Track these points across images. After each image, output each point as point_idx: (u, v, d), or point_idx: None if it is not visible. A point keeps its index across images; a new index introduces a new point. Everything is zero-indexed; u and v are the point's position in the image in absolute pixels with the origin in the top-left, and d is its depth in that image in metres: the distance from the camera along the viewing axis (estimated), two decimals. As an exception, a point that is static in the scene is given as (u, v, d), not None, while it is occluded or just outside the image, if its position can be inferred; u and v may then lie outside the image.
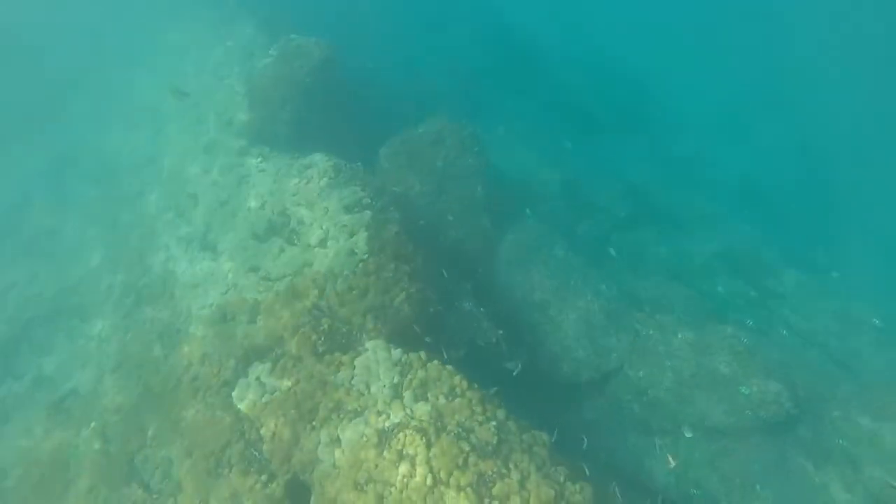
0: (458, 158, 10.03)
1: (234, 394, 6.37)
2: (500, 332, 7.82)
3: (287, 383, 6.10)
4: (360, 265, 6.94)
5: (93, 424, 7.57)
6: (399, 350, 6.20)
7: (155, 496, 6.34)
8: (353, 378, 5.98)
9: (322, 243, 7.36)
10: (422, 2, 18.68)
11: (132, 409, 7.32)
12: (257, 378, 6.28)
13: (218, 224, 8.64)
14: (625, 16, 30.50)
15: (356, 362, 6.11)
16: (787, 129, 20.86)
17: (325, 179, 8.11)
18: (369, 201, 7.83)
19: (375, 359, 6.11)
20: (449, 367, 6.14)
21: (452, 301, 7.99)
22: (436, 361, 6.12)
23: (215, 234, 8.60)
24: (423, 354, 6.21)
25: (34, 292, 10.17)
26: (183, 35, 13.27)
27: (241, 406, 6.21)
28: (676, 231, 12.48)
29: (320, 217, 7.61)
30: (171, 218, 9.49)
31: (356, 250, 7.08)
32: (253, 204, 8.36)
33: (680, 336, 8.18)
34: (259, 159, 9.20)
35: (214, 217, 8.81)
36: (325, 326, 6.43)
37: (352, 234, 7.31)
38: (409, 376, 5.93)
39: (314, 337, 6.30)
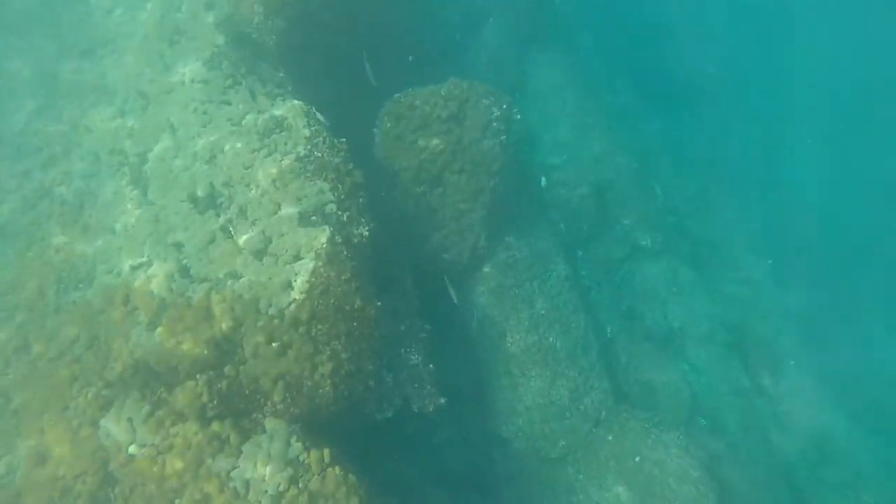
0: (474, 145, 8.04)
1: (102, 421, 5.36)
2: (443, 400, 6.74)
3: (158, 440, 5.07)
4: (292, 308, 5.55)
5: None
6: (299, 444, 5.13)
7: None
8: (233, 469, 4.97)
9: (258, 255, 5.87)
10: None
11: (3, 364, 6.34)
12: (129, 419, 5.22)
13: (157, 156, 6.93)
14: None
15: (244, 448, 5.05)
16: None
17: (290, 158, 6.32)
18: (334, 208, 6.17)
19: (268, 450, 5.06)
20: (351, 478, 5.15)
21: (399, 348, 6.76)
22: (337, 469, 5.11)
23: (151, 168, 6.94)
24: (326, 455, 5.18)
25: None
26: None
27: (106, 443, 5.24)
28: (698, 277, 10.88)
29: (266, 216, 5.99)
30: (111, 114, 7.67)
31: (293, 284, 5.64)
32: (200, 153, 6.60)
33: (638, 459, 7.18)
34: (228, 81, 7.18)
35: (157, 142, 7.06)
36: (223, 385, 5.24)
37: (296, 258, 5.79)
38: (299, 486, 4.94)
39: (205, 397, 5.14)
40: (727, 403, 8.84)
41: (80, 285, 6.58)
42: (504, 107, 8.24)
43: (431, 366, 6.77)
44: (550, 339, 8.01)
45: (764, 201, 14.17)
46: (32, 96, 8.58)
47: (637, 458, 7.24)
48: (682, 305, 10.20)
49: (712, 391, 8.98)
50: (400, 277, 7.16)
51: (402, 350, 6.70)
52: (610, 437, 7.47)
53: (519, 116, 8.60)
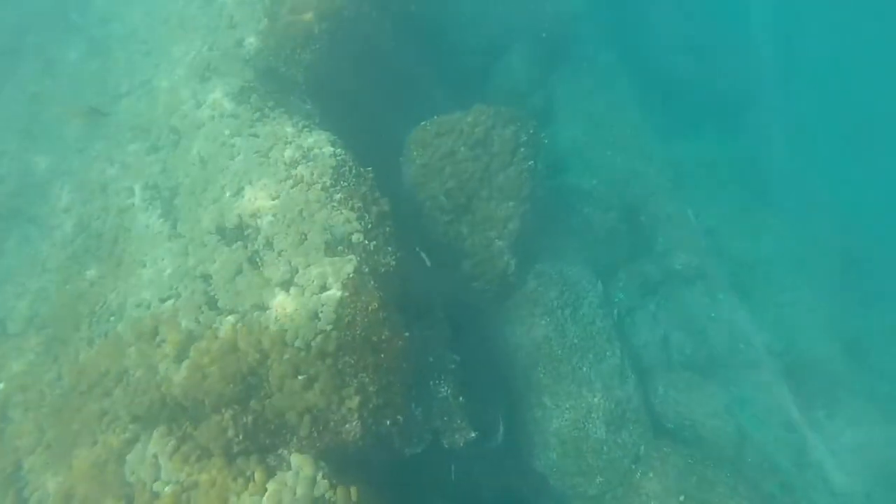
0: (502, 171, 7.93)
1: (129, 457, 5.31)
2: (474, 434, 6.49)
3: (183, 477, 4.97)
4: (319, 339, 5.44)
5: (0, 385, 6.75)
6: (326, 482, 4.95)
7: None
8: (258, 508, 4.82)
9: (284, 286, 5.81)
10: None
11: (38, 397, 6.41)
12: (155, 456, 5.15)
13: (187, 189, 7.04)
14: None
15: (269, 486, 4.90)
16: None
17: (317, 187, 6.31)
18: (361, 238, 6.10)
19: (293, 487, 4.89)
20: (380, 518, 4.94)
21: (428, 379, 6.56)
22: (366, 509, 4.92)
23: (182, 201, 7.05)
24: (353, 493, 4.99)
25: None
26: None
27: (131, 479, 5.18)
28: (739, 302, 10.38)
29: (292, 247, 5.96)
30: (146, 150, 7.87)
31: (320, 315, 5.54)
32: (228, 185, 6.67)
33: (683, 499, 6.74)
34: (257, 114, 7.29)
35: (187, 176, 7.19)
36: (249, 420, 5.14)
37: (323, 288, 5.71)
38: (325, 527, 4.75)
39: (231, 433, 5.04)
40: (778, 438, 8.28)
41: (112, 318, 6.64)
42: (531, 132, 8.13)
43: (461, 398, 6.54)
44: (584, 370, 7.69)
45: (807, 219, 13.56)
46: (75, 137, 8.92)
47: (681, 498, 6.77)
48: (722, 332, 9.72)
49: (761, 424, 8.43)
50: (429, 307, 7.01)
51: (431, 382, 6.51)
52: (651, 474, 7.04)
53: (546, 141, 8.49)
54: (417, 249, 6.61)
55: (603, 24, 13.72)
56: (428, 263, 6.60)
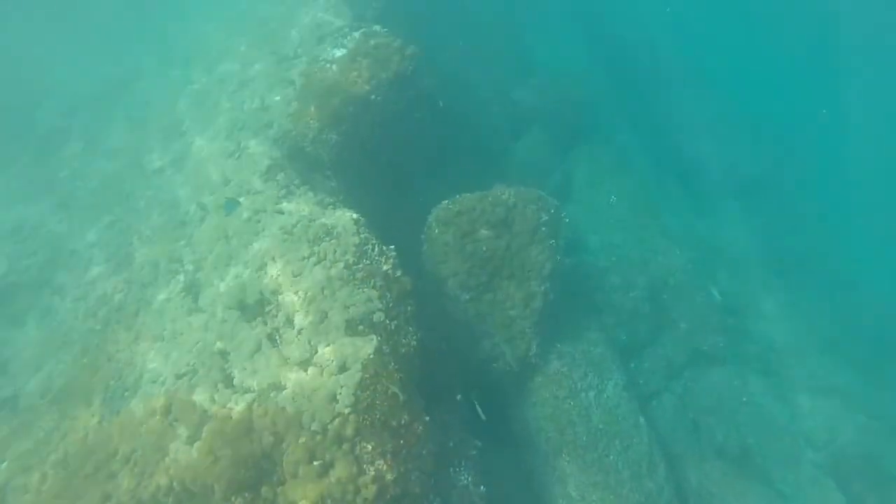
0: (523, 250, 7.91)
1: (131, 548, 5.00)
2: (495, 529, 6.05)
3: (187, 575, 4.64)
4: (336, 422, 5.23)
5: (3, 465, 6.53)
6: (336, 584, 4.58)
7: None
8: None
9: (303, 365, 5.68)
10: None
11: (40, 479, 6.16)
12: (158, 547, 4.84)
13: (211, 265, 7.09)
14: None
15: (277, 586, 4.56)
16: None
17: (339, 265, 6.31)
18: (382, 317, 6.01)
19: (303, 589, 4.53)
20: None
21: (448, 466, 6.23)
22: None
23: (205, 275, 7.08)
24: None
25: (31, 249, 9.19)
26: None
27: (132, 574, 4.85)
28: (770, 386, 9.92)
29: (312, 325, 5.88)
30: (172, 225, 8.04)
31: (338, 397, 5.36)
32: (251, 261, 6.71)
33: None
34: (283, 192, 7.47)
35: (212, 251, 7.26)
36: (259, 510, 4.86)
37: (342, 369, 5.56)
38: None
39: (238, 524, 4.75)
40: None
41: (126, 393, 6.51)
42: (552, 211, 8.20)
43: (482, 488, 6.17)
44: (611, 457, 7.25)
45: (835, 299, 13.20)
46: (107, 211, 9.21)
47: None
48: (755, 418, 9.20)
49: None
50: (449, 388, 6.78)
51: (452, 469, 6.18)
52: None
53: (567, 220, 8.52)
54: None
55: (621, 107, 14.19)
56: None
